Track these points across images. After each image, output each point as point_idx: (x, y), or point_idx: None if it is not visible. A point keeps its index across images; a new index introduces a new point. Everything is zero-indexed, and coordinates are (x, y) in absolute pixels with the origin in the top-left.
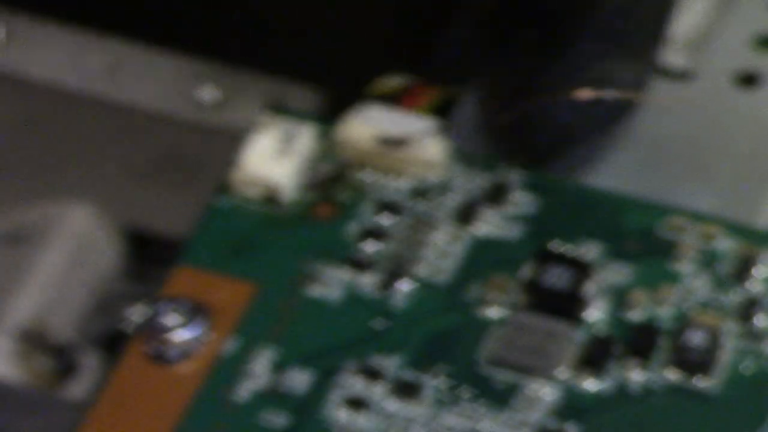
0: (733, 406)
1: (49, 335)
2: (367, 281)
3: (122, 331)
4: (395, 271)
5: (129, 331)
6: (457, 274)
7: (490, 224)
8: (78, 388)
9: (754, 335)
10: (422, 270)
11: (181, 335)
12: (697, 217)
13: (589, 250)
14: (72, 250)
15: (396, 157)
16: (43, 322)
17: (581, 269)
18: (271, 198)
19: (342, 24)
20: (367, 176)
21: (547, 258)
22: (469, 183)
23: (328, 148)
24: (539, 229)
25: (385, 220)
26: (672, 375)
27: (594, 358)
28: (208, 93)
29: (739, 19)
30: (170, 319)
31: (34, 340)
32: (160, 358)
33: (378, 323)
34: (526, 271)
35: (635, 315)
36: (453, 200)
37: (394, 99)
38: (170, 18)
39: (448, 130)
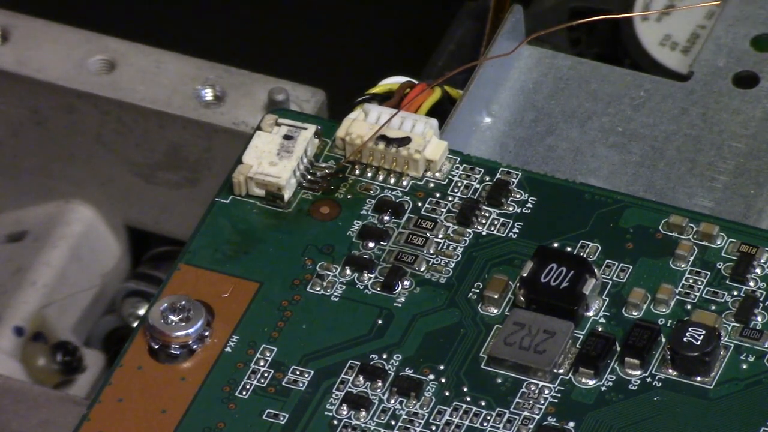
0: (732, 406)
1: (51, 334)
2: (367, 281)
3: (124, 329)
4: (395, 270)
5: (131, 330)
6: (457, 274)
7: (490, 224)
8: (80, 386)
9: (753, 335)
10: (422, 270)
11: (183, 334)
12: (697, 217)
13: (589, 250)
14: (73, 249)
15: (396, 156)
16: (45, 321)
17: (581, 268)
18: (271, 197)
19: (342, 24)
20: (367, 176)
21: (546, 257)
22: (469, 183)
23: (328, 147)
24: (539, 228)
25: (385, 219)
26: (671, 374)
27: (593, 357)
28: (209, 93)
29: (739, 19)
30: (172, 317)
31: (36, 339)
32: (162, 356)
33: (378, 323)
34: (526, 270)
35: (634, 314)
36: (453, 200)
37: (394, 99)
38: (171, 18)
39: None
